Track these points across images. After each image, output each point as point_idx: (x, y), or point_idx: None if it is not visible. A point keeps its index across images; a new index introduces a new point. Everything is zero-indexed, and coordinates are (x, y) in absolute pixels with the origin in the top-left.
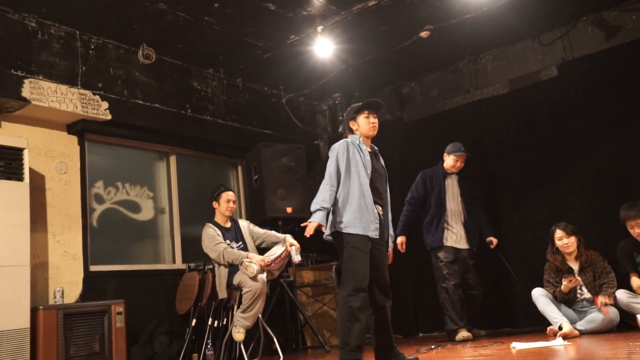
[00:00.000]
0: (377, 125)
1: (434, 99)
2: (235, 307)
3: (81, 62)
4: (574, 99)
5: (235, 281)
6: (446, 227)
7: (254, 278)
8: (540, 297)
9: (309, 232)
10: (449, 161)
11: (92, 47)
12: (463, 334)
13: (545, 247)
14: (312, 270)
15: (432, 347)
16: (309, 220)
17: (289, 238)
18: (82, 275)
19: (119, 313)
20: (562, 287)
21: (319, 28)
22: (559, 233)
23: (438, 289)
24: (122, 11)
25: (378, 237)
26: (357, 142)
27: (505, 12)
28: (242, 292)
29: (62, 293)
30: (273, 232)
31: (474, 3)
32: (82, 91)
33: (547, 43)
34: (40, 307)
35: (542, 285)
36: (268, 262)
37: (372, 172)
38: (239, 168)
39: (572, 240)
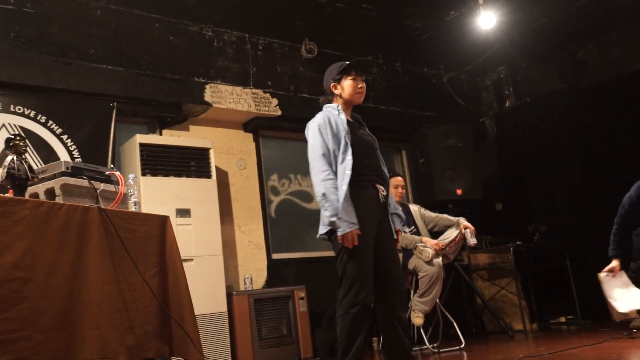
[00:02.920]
0: (365, 90)
1: (616, 60)
2: (412, 292)
3: (251, 63)
4: None
5: (411, 266)
6: None
7: (429, 262)
8: None
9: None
10: None
11: (260, 47)
12: None
13: None
14: (487, 253)
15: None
16: (340, 233)
17: (462, 220)
18: (266, 263)
19: (302, 298)
20: None
21: (480, 0)
22: None
23: None
24: (284, 9)
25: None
26: (337, 113)
27: None
28: (418, 277)
29: (251, 279)
30: (445, 215)
31: None
32: (254, 91)
33: None
34: (234, 292)
35: None
36: (442, 245)
37: (361, 147)
38: (403, 152)
39: None
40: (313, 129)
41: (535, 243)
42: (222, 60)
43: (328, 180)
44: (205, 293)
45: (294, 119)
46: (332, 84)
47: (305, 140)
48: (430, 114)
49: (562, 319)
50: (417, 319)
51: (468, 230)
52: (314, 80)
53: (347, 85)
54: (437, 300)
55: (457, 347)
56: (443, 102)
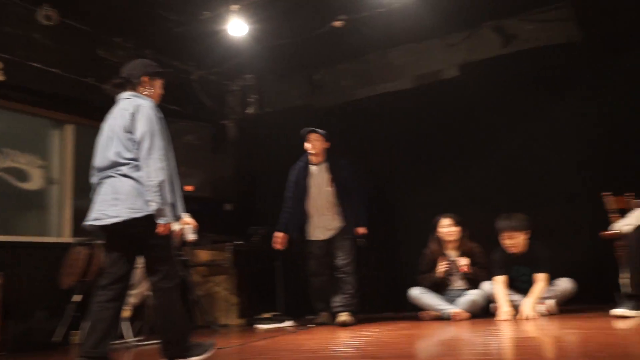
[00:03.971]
0: None
1: (344, 88)
2: None
3: None
4: (473, 99)
5: None
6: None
7: None
8: (421, 295)
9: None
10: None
11: None
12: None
13: None
14: (208, 250)
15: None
16: (163, 222)
17: (184, 216)
18: None
19: None
20: (438, 271)
21: (234, 7)
22: (445, 221)
23: None
24: None
25: None
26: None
27: (415, 10)
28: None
29: None
30: None
31: None
32: None
33: (452, 44)
34: None
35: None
36: None
37: None
38: None
39: (456, 230)
40: (151, 115)
41: (254, 244)
42: None
43: (166, 170)
44: None
45: (21, 89)
46: (146, 76)
47: (30, 114)
48: (174, 108)
49: (268, 315)
50: (123, 311)
51: (189, 226)
52: (50, 50)
53: (158, 87)
54: (147, 294)
55: (156, 341)
56: (188, 99)
